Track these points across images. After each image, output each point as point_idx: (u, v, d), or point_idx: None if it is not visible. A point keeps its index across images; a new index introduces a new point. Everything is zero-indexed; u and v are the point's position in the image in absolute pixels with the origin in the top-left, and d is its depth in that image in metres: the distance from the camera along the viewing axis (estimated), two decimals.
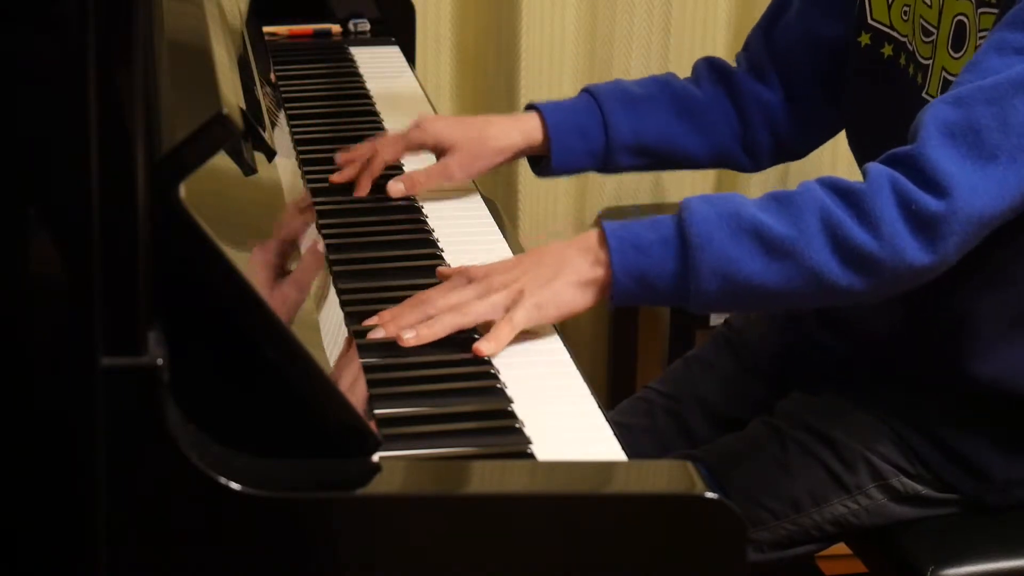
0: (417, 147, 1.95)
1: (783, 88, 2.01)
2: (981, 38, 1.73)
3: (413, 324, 1.59)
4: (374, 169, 1.93)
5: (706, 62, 2.05)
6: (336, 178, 1.94)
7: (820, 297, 1.64)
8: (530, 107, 1.98)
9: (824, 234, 1.60)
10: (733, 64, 2.06)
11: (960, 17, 1.76)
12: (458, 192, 1.96)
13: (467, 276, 1.64)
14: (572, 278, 1.64)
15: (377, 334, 1.58)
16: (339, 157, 1.97)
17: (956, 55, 1.77)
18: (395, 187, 1.91)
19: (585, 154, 1.98)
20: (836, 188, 1.62)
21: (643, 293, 1.64)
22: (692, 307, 1.64)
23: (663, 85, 2.01)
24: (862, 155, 1.96)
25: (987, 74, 1.64)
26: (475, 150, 1.94)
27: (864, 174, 1.64)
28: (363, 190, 1.92)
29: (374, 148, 1.95)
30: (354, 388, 1.47)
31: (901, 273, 1.61)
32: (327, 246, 1.76)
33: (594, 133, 1.96)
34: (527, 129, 1.96)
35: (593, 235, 1.65)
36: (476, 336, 1.61)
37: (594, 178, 2.84)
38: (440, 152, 1.95)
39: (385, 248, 1.79)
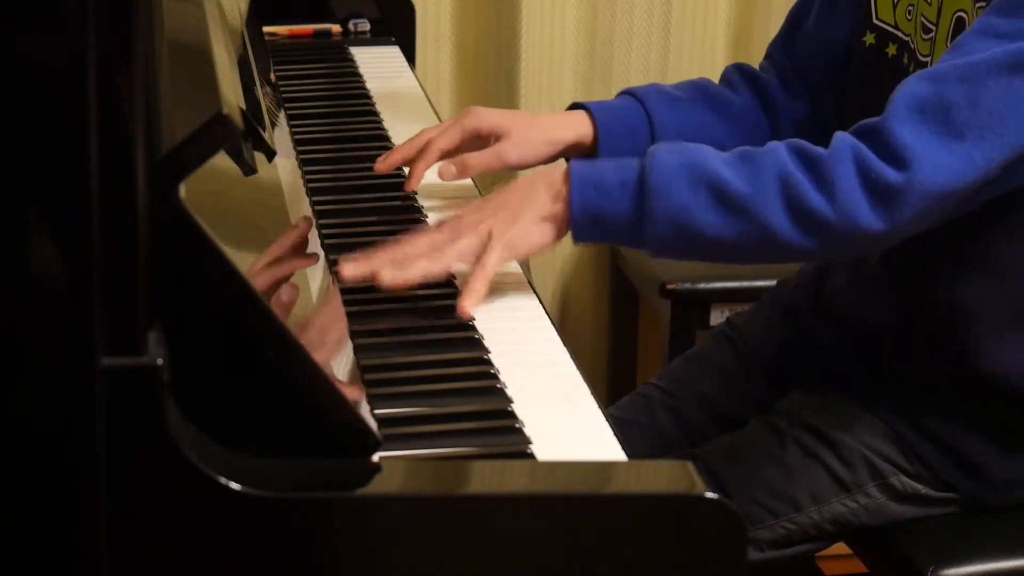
0: (472, 133, 1.90)
1: (808, 98, 2.00)
2: None
3: (386, 265, 1.64)
4: (429, 157, 1.88)
5: (737, 69, 2.04)
6: (381, 166, 1.90)
7: (771, 254, 1.68)
8: (575, 106, 1.96)
9: (780, 195, 1.64)
10: (759, 71, 2.04)
11: (959, 13, 1.77)
12: (458, 193, 1.96)
13: (440, 223, 1.69)
14: (536, 214, 1.68)
15: (356, 270, 1.63)
16: (380, 162, 1.91)
17: None
18: (447, 170, 1.87)
19: (630, 153, 1.96)
20: (799, 152, 1.66)
21: (599, 232, 1.67)
22: (647, 249, 1.68)
23: (702, 89, 2.00)
24: None
25: (966, 55, 1.66)
26: (528, 137, 1.90)
27: (830, 142, 1.66)
28: (416, 179, 1.88)
29: (426, 137, 1.90)
30: (354, 388, 1.47)
31: (854, 237, 1.64)
32: (327, 246, 1.76)
33: (641, 132, 1.93)
34: (577, 124, 1.92)
35: (559, 171, 1.69)
36: (477, 336, 1.61)
37: None
38: (493, 139, 1.91)
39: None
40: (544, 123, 1.92)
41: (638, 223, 1.65)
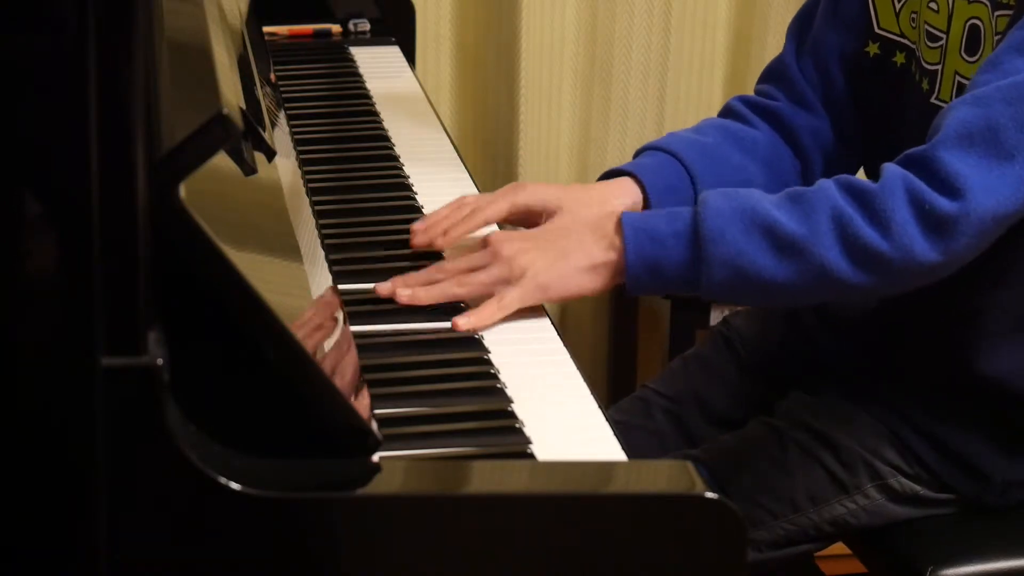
0: (522, 209, 1.79)
1: (825, 112, 1.97)
2: (998, 41, 1.73)
3: (417, 285, 1.65)
4: (472, 224, 1.76)
5: (744, 103, 1.98)
6: (422, 238, 1.76)
7: (828, 292, 1.68)
8: (613, 172, 1.86)
9: (834, 233, 1.63)
10: (764, 98, 1.99)
11: (974, 21, 1.77)
12: (458, 193, 1.96)
13: (485, 240, 1.68)
14: (583, 262, 1.66)
15: (382, 288, 1.65)
16: (419, 224, 1.78)
17: (971, 59, 1.77)
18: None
19: None
20: (850, 188, 1.65)
21: (655, 281, 1.67)
22: (703, 296, 1.67)
23: (723, 129, 1.94)
24: (872, 164, 1.95)
25: (1008, 74, 1.65)
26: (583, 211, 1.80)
27: (879, 174, 1.65)
28: (452, 241, 1.76)
29: (470, 206, 1.78)
30: (354, 388, 1.47)
31: (911, 271, 1.64)
32: (327, 246, 1.76)
33: (684, 188, 1.86)
34: (626, 193, 1.82)
35: (611, 222, 1.67)
36: (478, 336, 1.61)
37: (595, 177, 2.84)
38: (545, 216, 1.80)
39: (385, 248, 1.79)
40: (595, 197, 1.82)
41: (694, 271, 1.65)
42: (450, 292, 1.65)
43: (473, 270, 1.66)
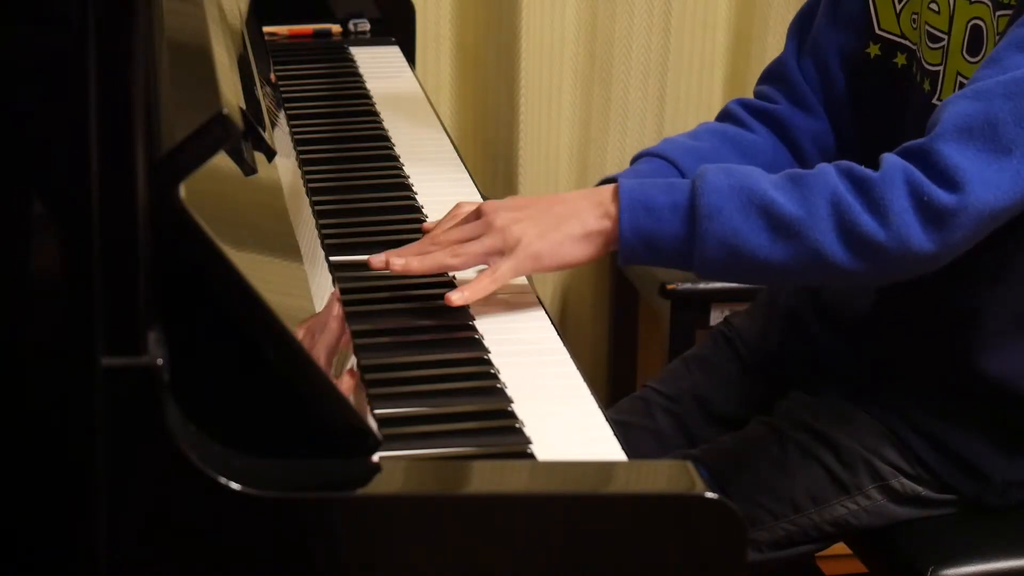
0: None
1: (825, 114, 1.97)
2: (999, 41, 1.73)
3: (411, 255, 1.65)
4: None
5: (743, 106, 1.98)
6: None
7: (821, 276, 1.69)
8: (610, 180, 1.80)
9: (832, 218, 1.63)
10: (764, 101, 1.98)
11: (976, 21, 1.77)
12: (458, 193, 1.96)
13: (478, 211, 1.67)
14: (577, 230, 1.66)
15: (375, 261, 1.65)
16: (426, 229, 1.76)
17: (973, 59, 1.77)
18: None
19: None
20: (850, 174, 1.65)
21: (648, 253, 1.67)
22: (696, 271, 1.67)
23: (720, 134, 1.94)
24: (871, 165, 1.94)
25: (1008, 70, 1.66)
26: None
27: (879, 164, 1.65)
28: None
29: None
30: (354, 388, 1.47)
31: (906, 260, 1.64)
32: (327, 246, 1.76)
33: None
34: None
35: (607, 190, 1.67)
36: (477, 336, 1.61)
37: (595, 177, 2.84)
38: None
39: (385, 248, 1.78)
40: None
41: (688, 246, 1.64)
42: (444, 262, 1.65)
43: (466, 240, 1.66)
